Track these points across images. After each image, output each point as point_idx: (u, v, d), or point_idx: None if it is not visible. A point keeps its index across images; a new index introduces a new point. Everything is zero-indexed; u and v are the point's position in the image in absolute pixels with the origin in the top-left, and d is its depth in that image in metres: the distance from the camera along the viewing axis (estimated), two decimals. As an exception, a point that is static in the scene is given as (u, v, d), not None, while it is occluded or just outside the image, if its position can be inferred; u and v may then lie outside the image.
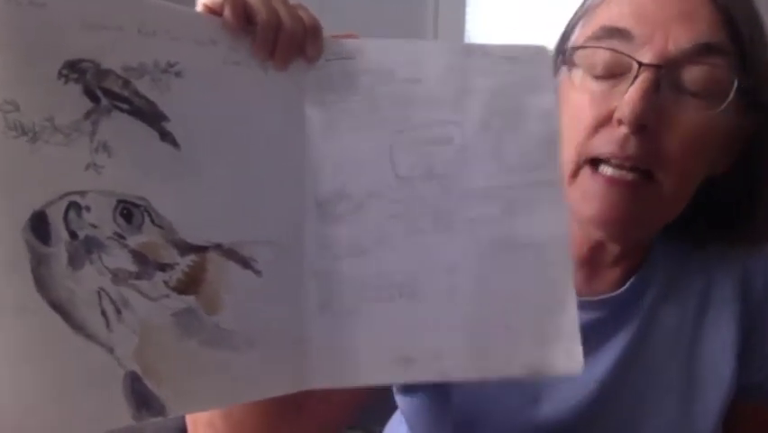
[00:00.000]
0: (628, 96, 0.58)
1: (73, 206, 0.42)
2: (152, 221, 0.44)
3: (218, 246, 0.46)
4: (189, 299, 0.45)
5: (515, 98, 0.52)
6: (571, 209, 0.62)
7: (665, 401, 0.68)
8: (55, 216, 0.41)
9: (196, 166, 0.46)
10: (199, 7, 0.48)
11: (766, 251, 0.71)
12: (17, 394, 0.40)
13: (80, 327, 0.42)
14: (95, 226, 0.43)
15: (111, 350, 0.42)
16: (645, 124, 0.58)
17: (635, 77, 0.58)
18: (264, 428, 0.54)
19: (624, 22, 0.60)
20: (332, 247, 0.50)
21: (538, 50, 0.54)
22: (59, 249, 0.41)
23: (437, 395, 0.67)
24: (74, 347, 0.41)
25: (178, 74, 0.46)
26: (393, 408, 0.79)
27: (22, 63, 0.41)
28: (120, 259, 0.43)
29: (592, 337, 0.64)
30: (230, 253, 0.47)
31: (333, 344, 0.49)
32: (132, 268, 0.43)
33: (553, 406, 0.66)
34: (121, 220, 0.43)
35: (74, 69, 0.42)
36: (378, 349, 0.49)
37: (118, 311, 0.43)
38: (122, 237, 0.43)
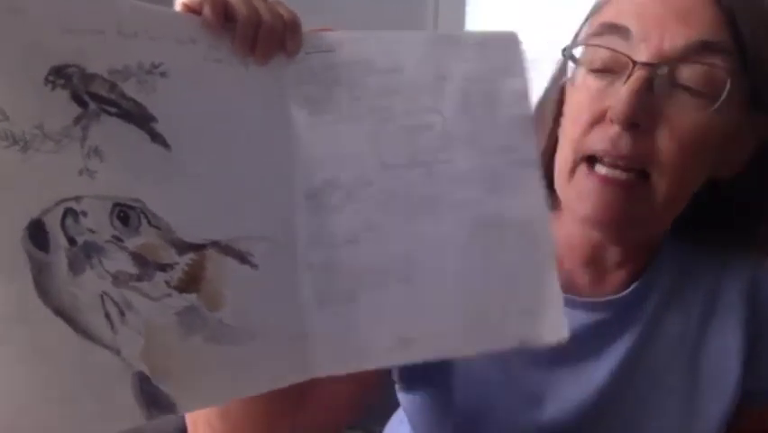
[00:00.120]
0: (619, 94, 0.57)
1: (69, 212, 0.42)
2: (149, 222, 0.44)
3: (215, 243, 0.47)
4: (191, 297, 0.45)
5: (489, 83, 0.54)
6: (569, 208, 0.64)
7: (668, 404, 0.68)
8: (52, 224, 0.42)
9: (186, 165, 0.47)
10: (178, 7, 0.48)
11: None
12: (34, 409, 0.40)
13: (85, 332, 0.42)
14: (92, 231, 0.43)
15: (118, 352, 0.43)
16: (637, 123, 0.58)
17: (630, 75, 0.58)
18: (264, 428, 0.55)
19: (624, 19, 0.60)
20: (324, 238, 0.50)
21: (509, 36, 0.55)
22: (59, 256, 0.42)
23: (439, 393, 0.66)
24: (81, 352, 0.42)
25: (163, 74, 0.46)
26: (393, 408, 0.80)
27: (7, 71, 0.41)
28: (120, 262, 0.43)
29: (596, 338, 0.66)
30: (227, 250, 0.47)
31: (333, 332, 0.50)
32: (133, 270, 0.44)
33: (556, 406, 0.66)
34: (118, 223, 0.43)
35: (60, 75, 0.42)
36: (377, 334, 0.50)
37: (122, 313, 0.43)
38: (120, 240, 0.44)
